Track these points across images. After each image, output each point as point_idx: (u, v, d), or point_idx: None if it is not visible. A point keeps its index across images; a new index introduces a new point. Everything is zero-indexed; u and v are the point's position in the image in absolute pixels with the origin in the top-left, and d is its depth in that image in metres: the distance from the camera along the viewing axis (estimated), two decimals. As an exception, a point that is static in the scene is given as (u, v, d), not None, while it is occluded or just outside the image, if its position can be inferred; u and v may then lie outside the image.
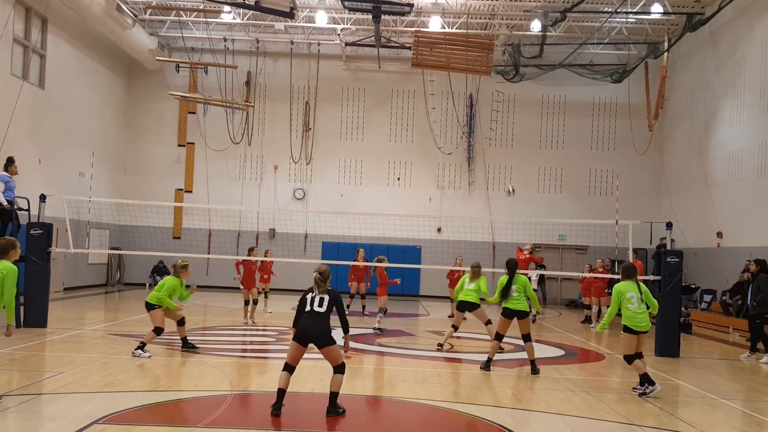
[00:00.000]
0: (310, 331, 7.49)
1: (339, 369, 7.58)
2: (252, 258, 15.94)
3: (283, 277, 23.23)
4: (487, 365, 10.76)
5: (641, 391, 9.26)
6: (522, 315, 10.67)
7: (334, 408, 7.51)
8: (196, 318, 16.98)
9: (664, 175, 26.87)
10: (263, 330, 15.31)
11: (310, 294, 7.67)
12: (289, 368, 7.57)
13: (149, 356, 10.80)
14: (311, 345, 7.62)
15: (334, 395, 7.53)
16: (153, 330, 11.08)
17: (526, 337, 10.77)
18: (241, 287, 15.98)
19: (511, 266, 10.83)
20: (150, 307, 11.21)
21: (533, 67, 25.83)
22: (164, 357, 11.19)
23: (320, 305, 7.55)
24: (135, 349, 10.88)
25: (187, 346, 11.57)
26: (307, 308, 7.58)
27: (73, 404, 7.48)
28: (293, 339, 7.58)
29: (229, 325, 15.63)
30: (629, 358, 9.33)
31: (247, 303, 15.83)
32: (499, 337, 10.85)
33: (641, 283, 9.46)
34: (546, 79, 26.18)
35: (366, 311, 18.30)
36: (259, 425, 7.08)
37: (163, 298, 11.18)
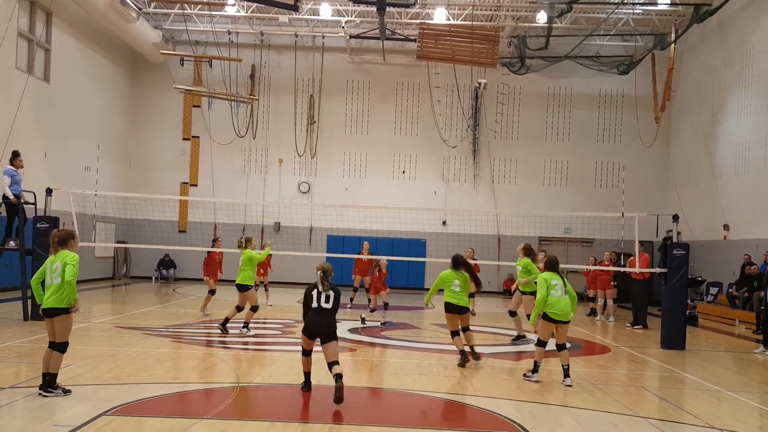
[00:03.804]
0: (319, 327, 7.97)
1: (334, 364, 7.82)
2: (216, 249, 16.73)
3: (288, 270, 23.30)
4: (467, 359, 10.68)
5: (525, 372, 9.62)
6: (464, 311, 10.71)
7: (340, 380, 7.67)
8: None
9: (670, 168, 26.77)
10: (268, 323, 15.32)
11: (316, 291, 8.07)
12: (307, 353, 8.24)
13: (253, 334, 12.78)
14: None
15: (339, 376, 7.69)
16: (251, 309, 12.78)
17: (467, 328, 10.79)
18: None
19: (456, 262, 10.77)
20: (244, 288, 12.69)
21: (539, 59, 25.77)
22: (171, 349, 11.22)
23: (327, 302, 8.02)
24: (242, 328, 12.77)
25: (224, 328, 12.72)
26: (314, 305, 8.02)
27: (81, 396, 7.50)
28: (303, 333, 8.11)
29: (235, 317, 15.60)
30: (541, 344, 9.41)
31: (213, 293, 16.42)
32: (455, 333, 10.74)
33: (564, 276, 9.54)
34: (552, 71, 26.14)
35: (371, 305, 18.28)
36: (266, 417, 7.10)
37: (256, 261, 12.87)
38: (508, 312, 13.59)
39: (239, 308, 12.84)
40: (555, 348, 9.45)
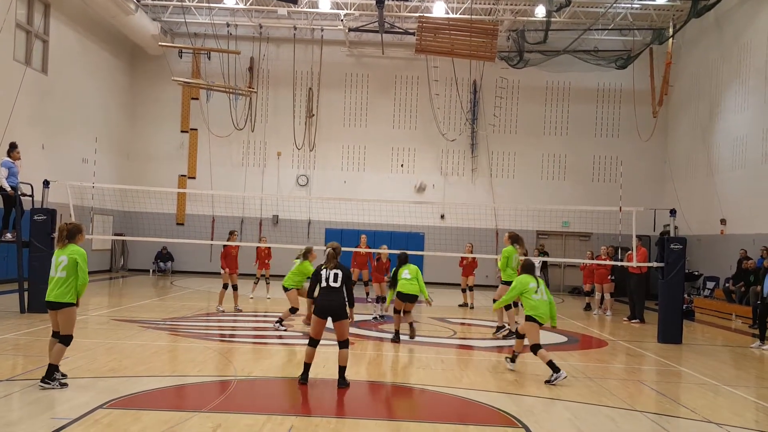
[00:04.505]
0: (329, 306, 8.17)
1: (344, 344, 8.24)
2: (232, 243, 15.77)
3: (286, 263, 23.21)
4: (396, 337, 12.09)
5: (547, 379, 9.01)
6: (412, 298, 12.06)
7: (344, 380, 8.21)
8: (200, 304, 17.05)
9: (668, 162, 26.79)
10: (266, 316, 15.34)
11: (324, 270, 8.30)
12: (314, 342, 8.26)
13: (285, 330, 12.68)
14: None
15: (342, 369, 8.23)
16: (289, 309, 12.81)
17: (408, 315, 12.31)
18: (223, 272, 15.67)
19: (401, 258, 12.36)
20: (286, 289, 12.87)
21: (537, 53, 25.73)
22: (168, 342, 11.23)
23: (335, 281, 8.22)
24: (275, 323, 12.90)
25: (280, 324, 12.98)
26: (323, 284, 8.26)
27: (78, 389, 7.51)
28: (314, 313, 8.27)
29: (232, 310, 15.64)
30: (537, 348, 9.16)
31: (226, 287, 15.63)
32: (397, 312, 12.25)
33: (540, 279, 9.58)
34: (550, 65, 26.11)
35: (369, 298, 18.32)
36: (263, 410, 7.11)
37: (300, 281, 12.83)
38: (493, 300, 13.57)
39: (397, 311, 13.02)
40: (514, 334, 9.81)
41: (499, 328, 13.35)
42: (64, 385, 7.55)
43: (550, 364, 9.00)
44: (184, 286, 21.94)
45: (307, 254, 12.92)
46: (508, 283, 13.02)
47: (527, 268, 9.69)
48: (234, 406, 7.28)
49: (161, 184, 25.99)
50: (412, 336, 12.08)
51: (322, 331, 8.28)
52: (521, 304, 9.74)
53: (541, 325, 9.28)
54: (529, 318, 9.30)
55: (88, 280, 7.75)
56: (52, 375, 7.52)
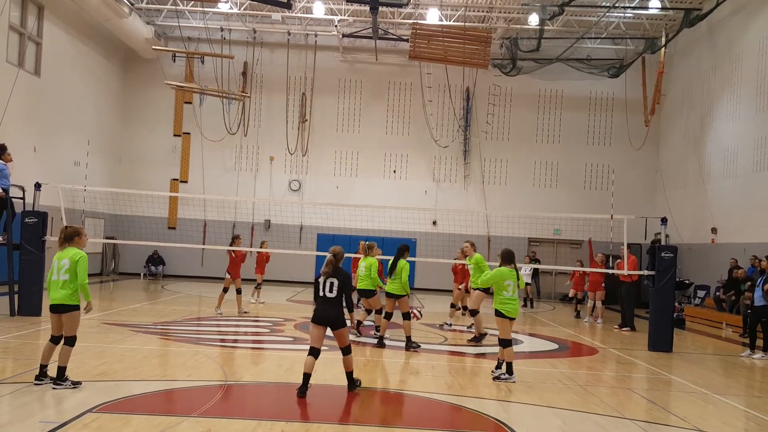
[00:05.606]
0: (326, 316, 8.09)
1: (346, 350, 8.26)
2: (238, 248, 15.67)
3: (278, 268, 23.24)
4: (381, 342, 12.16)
5: (496, 375, 9.47)
6: (395, 297, 12.04)
7: (353, 383, 8.34)
8: (191, 308, 16.99)
9: (659, 171, 26.91)
10: (257, 321, 15.30)
11: (322, 278, 8.16)
12: (315, 352, 8.07)
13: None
14: None
15: (350, 374, 8.35)
16: (376, 312, 12.87)
17: (406, 315, 12.03)
18: (228, 276, 15.64)
19: (401, 250, 12.25)
20: (370, 293, 12.69)
21: (530, 60, 25.85)
22: (159, 347, 11.19)
23: (331, 290, 8.08)
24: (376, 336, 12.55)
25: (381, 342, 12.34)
26: (321, 294, 8.13)
27: (67, 393, 7.47)
28: (312, 321, 8.20)
29: (224, 315, 15.59)
30: (507, 342, 9.41)
31: (226, 291, 15.59)
32: (388, 315, 12.24)
33: (518, 271, 9.66)
34: (543, 73, 26.22)
35: (360, 304, 18.28)
36: (253, 415, 7.09)
37: (376, 279, 12.71)
38: (470, 311, 13.81)
39: (387, 315, 12.37)
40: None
41: (476, 338, 13.34)
42: (78, 383, 7.70)
43: (508, 365, 9.37)
44: (175, 290, 21.85)
45: (370, 250, 12.87)
46: (478, 289, 13.14)
47: (507, 257, 9.60)
48: (224, 411, 7.26)
49: (153, 188, 25.90)
50: (379, 339, 12.15)
51: (322, 339, 8.16)
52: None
53: (511, 320, 9.49)
54: (498, 313, 9.48)
55: (86, 282, 7.92)
56: (63, 376, 7.66)
